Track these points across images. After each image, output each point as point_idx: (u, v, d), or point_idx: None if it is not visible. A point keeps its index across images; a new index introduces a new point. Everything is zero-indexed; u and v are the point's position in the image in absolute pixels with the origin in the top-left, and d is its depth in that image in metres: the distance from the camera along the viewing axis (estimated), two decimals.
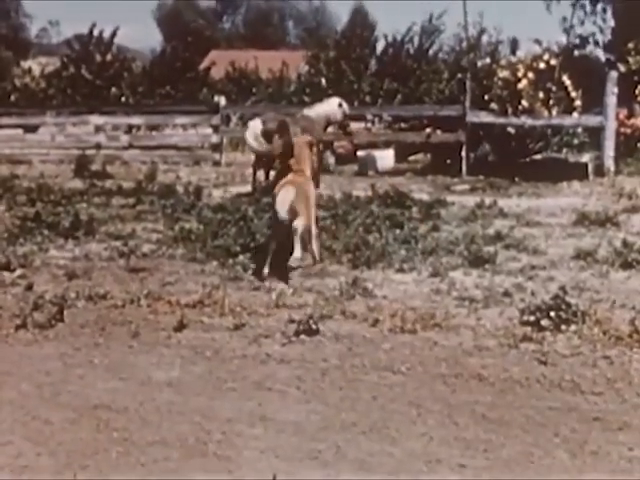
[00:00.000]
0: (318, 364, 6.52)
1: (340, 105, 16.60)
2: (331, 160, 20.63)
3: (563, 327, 7.15)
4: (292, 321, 7.35)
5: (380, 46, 30.26)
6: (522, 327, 7.23)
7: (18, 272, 9.27)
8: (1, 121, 24.86)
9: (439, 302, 8.13)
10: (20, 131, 26.85)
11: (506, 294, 8.29)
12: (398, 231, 11.23)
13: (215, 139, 22.43)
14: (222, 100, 22.83)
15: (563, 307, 7.34)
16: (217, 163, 21.48)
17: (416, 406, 5.72)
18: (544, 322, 7.22)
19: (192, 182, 16.33)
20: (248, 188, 15.69)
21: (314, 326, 7.17)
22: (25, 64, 49.36)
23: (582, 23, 24.34)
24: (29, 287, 8.56)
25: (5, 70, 44.88)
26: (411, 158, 21.77)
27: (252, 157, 16.51)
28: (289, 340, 7.02)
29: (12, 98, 35.71)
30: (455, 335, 7.12)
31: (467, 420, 5.51)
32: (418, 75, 26.82)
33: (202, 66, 40.02)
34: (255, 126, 15.91)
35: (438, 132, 20.25)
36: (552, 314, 7.27)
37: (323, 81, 28.77)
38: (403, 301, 8.13)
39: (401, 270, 9.38)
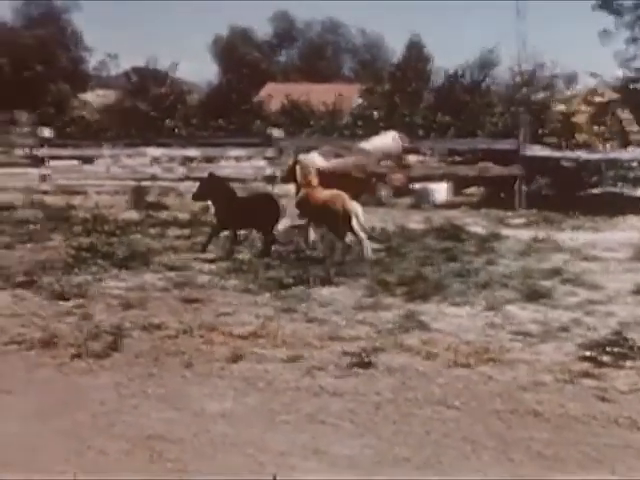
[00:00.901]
0: (371, 397, 6.47)
1: (396, 138, 16.61)
2: (385, 193, 20.65)
3: (622, 363, 7.03)
4: (346, 353, 7.32)
5: (435, 79, 30.31)
6: (579, 362, 7.13)
7: (74, 301, 9.34)
8: (59, 152, 25.18)
9: (494, 336, 8.04)
10: (77, 162, 27.23)
11: (563, 329, 8.19)
12: (453, 264, 11.20)
13: (269, 171, 22.52)
14: (276, 132, 22.94)
15: (622, 343, 7.23)
16: None
17: (470, 442, 5.65)
18: (603, 358, 7.11)
19: None
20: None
21: (368, 359, 7.13)
22: (83, 96, 50.14)
23: (634, 58, 24.16)
24: (85, 316, 8.62)
25: (64, 102, 45.60)
26: (466, 191, 21.70)
27: None
28: (342, 373, 6.98)
29: (70, 130, 36.27)
30: (510, 370, 7.04)
31: (522, 457, 5.42)
32: (472, 108, 26.77)
33: (257, 98, 40.33)
34: (313, 160, 15.99)
35: (492, 165, 20.16)
36: (611, 350, 7.16)
37: (377, 114, 28.79)
38: (457, 335, 8.06)
39: (456, 303, 9.32)
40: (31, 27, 78.07)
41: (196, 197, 13.27)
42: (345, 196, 11.69)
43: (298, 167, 12.54)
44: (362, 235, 11.47)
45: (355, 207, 11.61)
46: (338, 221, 11.49)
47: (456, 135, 25.13)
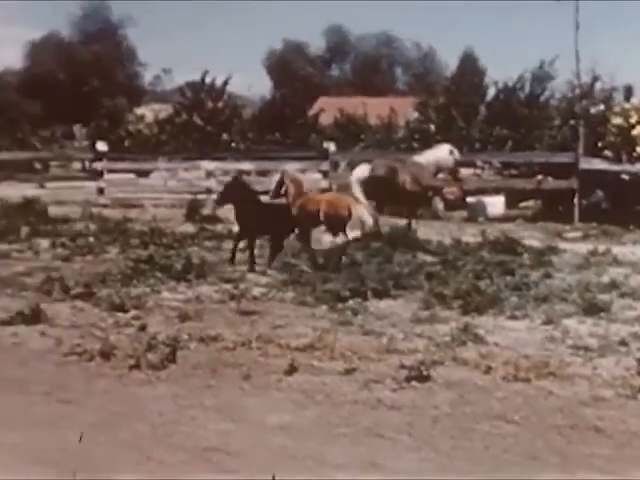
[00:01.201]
0: (429, 411, 6.43)
1: (451, 152, 16.55)
2: (440, 206, 20.60)
3: None
4: (403, 367, 7.27)
5: (490, 92, 30.08)
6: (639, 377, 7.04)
7: (132, 313, 9.40)
8: (115, 166, 25.45)
9: (553, 350, 7.96)
10: (133, 176, 27.49)
11: (622, 343, 8.08)
12: (509, 278, 11.10)
13: (324, 184, 22.54)
14: (331, 146, 22.98)
15: None
16: None
17: (530, 457, 5.59)
18: None
19: None
20: (357, 233, 15.67)
21: (425, 372, 7.09)
22: (139, 111, 50.64)
23: None
24: (142, 328, 8.66)
25: (119, 116, 46.11)
26: (521, 204, 21.55)
27: None
28: (400, 386, 6.95)
29: (126, 144, 36.65)
30: (570, 385, 6.96)
31: (584, 473, 5.35)
32: (529, 121, 26.54)
33: (311, 112, 40.43)
34: (361, 171, 16.08)
35: (549, 179, 20.02)
36: None
37: (432, 127, 28.69)
38: (516, 349, 7.99)
39: (513, 317, 9.24)
40: (88, 43, 79.21)
41: (218, 201, 13.51)
42: (350, 199, 12.13)
43: (287, 181, 12.67)
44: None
45: (361, 211, 12.16)
46: (344, 225, 11.99)
47: (514, 148, 24.95)
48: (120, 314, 9.36)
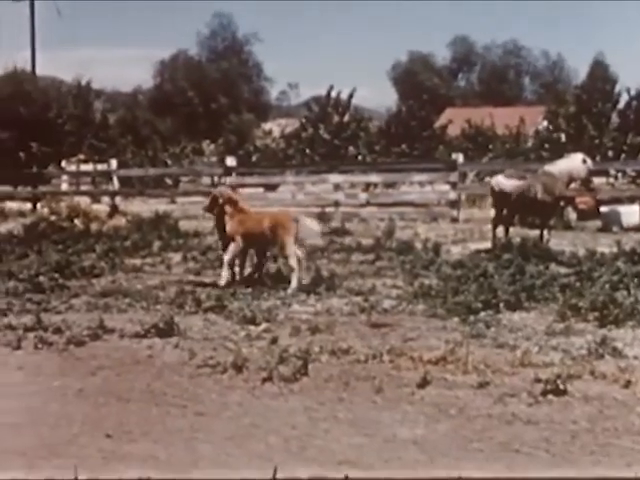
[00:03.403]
0: (567, 426, 6.25)
1: (584, 161, 16.20)
2: (573, 216, 20.25)
3: None
4: (538, 380, 7.10)
5: (622, 99, 29.45)
6: None
7: (263, 326, 9.44)
8: (244, 181, 25.78)
9: None
10: (261, 190, 27.82)
11: None
12: None
13: (452, 196, 22.40)
14: (460, 157, 22.83)
15: None
16: (454, 219, 21.42)
17: None
18: None
19: (430, 238, 16.31)
20: (487, 244, 15.52)
21: (562, 386, 6.90)
22: (266, 126, 51.38)
23: None
24: (274, 341, 8.68)
25: (247, 132, 46.86)
26: None
27: (491, 213, 16.36)
28: (536, 400, 6.78)
29: (254, 158, 37.18)
30: None
31: None
32: None
33: (438, 124, 40.29)
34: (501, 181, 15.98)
35: None
36: None
37: (562, 136, 28.25)
38: None
39: None
40: (215, 60, 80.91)
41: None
42: (291, 212, 12.56)
43: (223, 196, 12.42)
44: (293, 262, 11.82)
45: (308, 221, 12.36)
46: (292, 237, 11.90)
47: None
48: (251, 327, 9.41)
